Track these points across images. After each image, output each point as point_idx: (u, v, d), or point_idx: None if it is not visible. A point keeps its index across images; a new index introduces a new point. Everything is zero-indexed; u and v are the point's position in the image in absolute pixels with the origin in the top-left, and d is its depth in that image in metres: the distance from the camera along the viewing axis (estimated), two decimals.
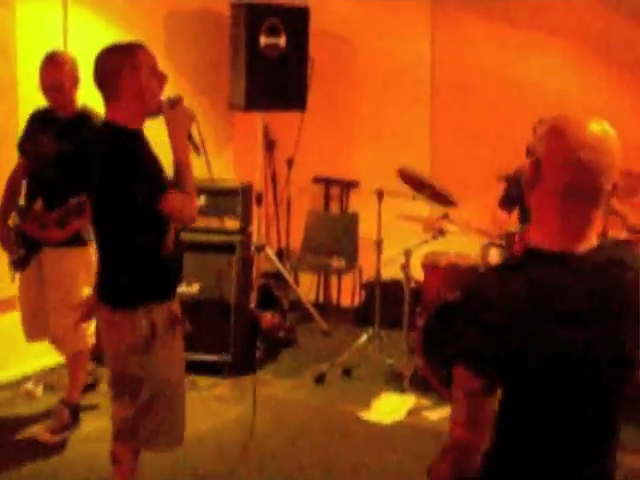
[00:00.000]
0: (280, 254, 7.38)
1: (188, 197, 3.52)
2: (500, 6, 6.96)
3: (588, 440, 2.25)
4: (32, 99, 5.51)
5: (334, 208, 7.80)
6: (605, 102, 6.54)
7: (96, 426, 5.00)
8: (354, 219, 7.44)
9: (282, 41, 6.59)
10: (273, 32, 6.55)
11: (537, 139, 2.19)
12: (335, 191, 7.75)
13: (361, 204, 7.38)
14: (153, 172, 3.47)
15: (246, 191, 6.23)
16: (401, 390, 5.70)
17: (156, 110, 3.57)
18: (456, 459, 2.20)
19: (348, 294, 7.67)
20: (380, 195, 6.11)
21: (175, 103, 3.58)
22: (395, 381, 5.85)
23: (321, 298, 7.81)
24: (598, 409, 2.23)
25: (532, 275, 2.14)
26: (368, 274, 7.38)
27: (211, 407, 5.48)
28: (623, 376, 2.24)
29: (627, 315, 2.20)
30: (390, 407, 5.47)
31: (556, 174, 2.15)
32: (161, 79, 3.58)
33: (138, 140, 3.52)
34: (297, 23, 6.66)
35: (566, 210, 2.16)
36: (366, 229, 7.21)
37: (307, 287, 7.62)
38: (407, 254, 6.01)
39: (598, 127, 2.15)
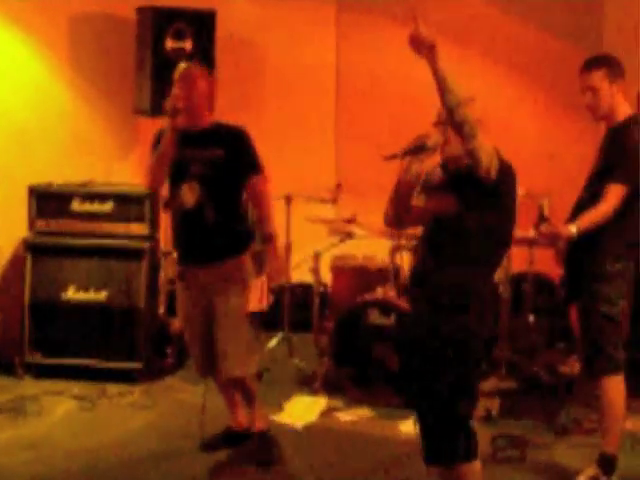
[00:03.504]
0: None
1: None
2: (405, 11, 7.06)
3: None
4: None
5: None
6: (507, 107, 6.72)
7: None
8: None
9: (188, 45, 6.56)
10: (179, 36, 6.51)
11: None
12: None
13: None
14: None
15: (154, 197, 6.18)
16: (312, 392, 5.73)
17: None
18: None
19: (255, 298, 7.64)
20: (288, 200, 6.15)
21: None
22: (306, 383, 5.89)
23: None
24: None
25: None
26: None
27: (122, 414, 5.43)
28: None
29: None
30: (302, 409, 5.49)
31: None
32: None
33: None
34: (203, 27, 6.62)
35: None
36: None
37: None
38: (316, 257, 6.07)
39: None
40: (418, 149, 3.63)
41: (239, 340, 4.58)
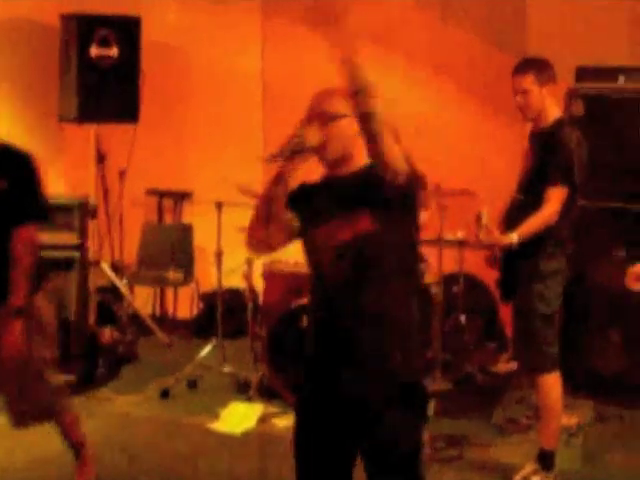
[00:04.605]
0: (114, 268, 7.25)
1: None
2: (331, 16, 7.09)
3: None
4: None
5: (168, 220, 7.74)
6: (432, 111, 6.79)
7: None
8: (188, 230, 7.40)
9: (114, 52, 6.52)
10: (104, 43, 6.46)
11: None
12: (169, 203, 7.69)
13: (196, 215, 7.36)
14: None
15: (83, 206, 6.10)
16: (248, 399, 5.72)
17: None
18: None
19: (185, 306, 7.62)
20: (219, 206, 6.12)
21: None
22: (241, 390, 5.87)
23: (158, 311, 7.73)
24: None
25: None
26: (204, 285, 7.36)
27: (57, 428, 5.32)
28: None
29: None
30: (239, 417, 5.47)
31: None
32: None
33: None
34: (129, 34, 6.60)
35: None
36: (201, 240, 7.21)
37: (143, 300, 7.51)
38: (249, 263, 6.05)
39: None
40: (296, 152, 2.91)
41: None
